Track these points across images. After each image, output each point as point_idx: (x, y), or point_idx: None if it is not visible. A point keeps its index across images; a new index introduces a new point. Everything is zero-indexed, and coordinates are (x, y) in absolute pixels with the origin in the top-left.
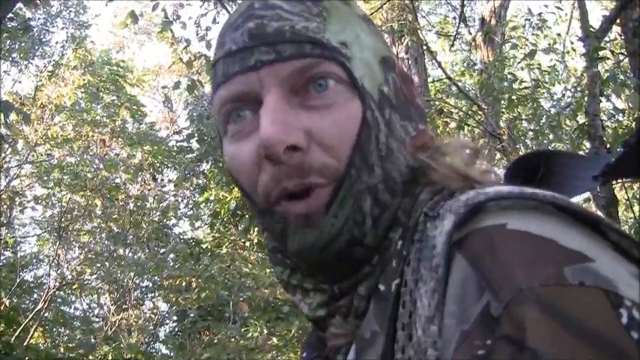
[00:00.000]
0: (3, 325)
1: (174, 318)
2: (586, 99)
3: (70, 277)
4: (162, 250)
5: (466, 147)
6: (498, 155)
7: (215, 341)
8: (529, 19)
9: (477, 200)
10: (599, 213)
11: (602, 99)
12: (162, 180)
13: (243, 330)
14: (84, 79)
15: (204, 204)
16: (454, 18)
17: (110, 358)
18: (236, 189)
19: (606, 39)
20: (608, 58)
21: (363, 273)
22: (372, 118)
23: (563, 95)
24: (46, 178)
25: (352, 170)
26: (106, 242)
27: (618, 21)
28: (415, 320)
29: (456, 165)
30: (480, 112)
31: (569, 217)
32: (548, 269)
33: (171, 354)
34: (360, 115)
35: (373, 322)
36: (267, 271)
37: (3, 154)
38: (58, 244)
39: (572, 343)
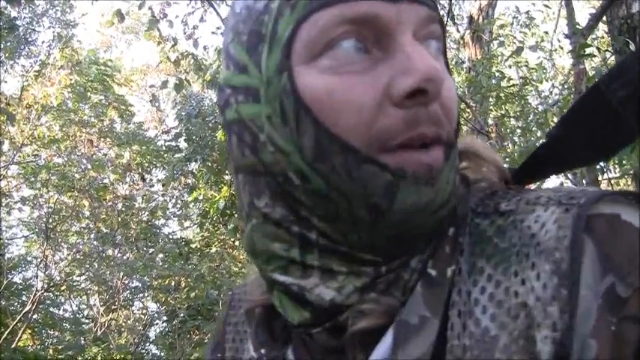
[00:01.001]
0: None
1: (164, 318)
2: (573, 96)
3: (58, 278)
4: (151, 250)
5: (489, 148)
6: None
7: (205, 340)
8: (517, 17)
9: (587, 192)
10: None
11: None
12: (150, 180)
13: None
14: (71, 79)
15: (193, 203)
16: (442, 16)
17: (99, 359)
18: (225, 188)
19: (593, 36)
20: (595, 56)
21: (415, 250)
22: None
23: (551, 92)
24: (33, 179)
25: (453, 136)
26: (95, 243)
27: (604, 18)
28: (471, 310)
29: (498, 163)
30: (468, 110)
31: None
32: None
33: (162, 354)
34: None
35: (422, 307)
36: None
37: None
38: (45, 245)
39: None
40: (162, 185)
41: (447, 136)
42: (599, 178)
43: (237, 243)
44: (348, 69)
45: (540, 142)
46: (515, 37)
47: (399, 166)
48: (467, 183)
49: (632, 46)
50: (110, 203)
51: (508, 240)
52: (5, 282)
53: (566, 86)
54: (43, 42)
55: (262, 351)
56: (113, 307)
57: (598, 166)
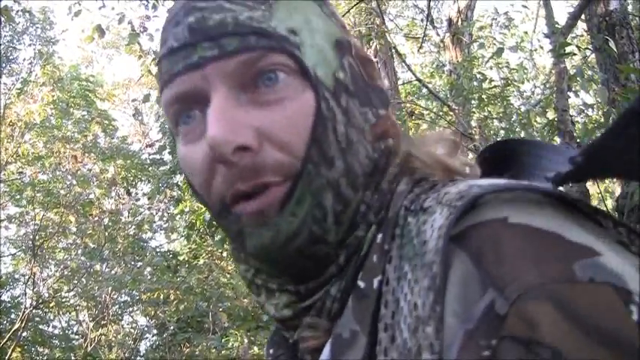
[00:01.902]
0: None
1: (154, 331)
2: (555, 95)
3: (46, 295)
4: (139, 264)
5: (446, 139)
6: (471, 155)
7: (196, 353)
8: (496, 19)
9: (472, 192)
10: None
11: (571, 95)
12: (136, 194)
13: (223, 340)
14: (53, 96)
15: (179, 216)
16: (422, 20)
17: None
18: None
19: (572, 35)
20: (575, 54)
21: (329, 273)
22: (327, 108)
23: (533, 93)
24: (18, 196)
25: (309, 166)
26: (82, 258)
27: (583, 17)
28: (399, 321)
29: (436, 154)
30: (451, 113)
31: (571, 210)
32: (557, 265)
33: None
34: (314, 106)
35: (352, 321)
36: None
37: None
38: (33, 262)
39: (588, 342)
40: (148, 199)
41: (286, 171)
42: None
43: (224, 254)
44: (190, 138)
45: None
46: (495, 39)
47: (238, 216)
48: (412, 180)
49: (612, 44)
50: (96, 218)
51: (419, 245)
52: None
53: (547, 86)
54: (24, 59)
55: (271, 351)
56: (103, 322)
57: None
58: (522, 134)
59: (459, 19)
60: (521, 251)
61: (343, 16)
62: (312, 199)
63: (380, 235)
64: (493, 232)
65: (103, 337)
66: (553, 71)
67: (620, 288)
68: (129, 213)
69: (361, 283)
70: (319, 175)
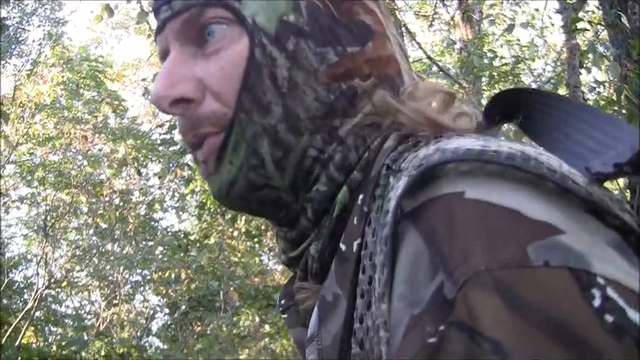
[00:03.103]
0: None
1: (166, 310)
2: (566, 72)
3: (59, 275)
4: (150, 244)
5: (439, 91)
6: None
7: (208, 331)
8: None
9: (431, 161)
10: None
11: (583, 72)
12: (146, 174)
13: (234, 319)
14: (63, 76)
15: (190, 195)
16: None
17: (103, 353)
18: None
19: (584, 11)
20: (587, 30)
21: (303, 225)
22: (262, 54)
23: (544, 70)
24: (29, 177)
25: (241, 114)
26: (94, 238)
27: None
28: (375, 288)
29: (424, 108)
30: (462, 91)
31: (539, 182)
32: (510, 248)
33: (164, 347)
34: (247, 53)
35: (335, 285)
36: (257, 259)
37: None
38: (45, 242)
39: (534, 334)
40: (159, 178)
41: (220, 121)
42: None
43: (235, 233)
44: None
45: None
46: (505, 16)
47: (199, 164)
48: (398, 136)
49: (624, 19)
50: (107, 198)
51: (384, 214)
52: (6, 280)
53: (558, 63)
54: (33, 41)
55: (282, 302)
56: (114, 301)
57: None
58: None
59: None
60: (474, 231)
61: None
62: (247, 146)
63: (361, 196)
64: (447, 208)
65: (115, 316)
66: (564, 48)
67: (579, 270)
68: (139, 193)
69: (342, 246)
70: (252, 123)
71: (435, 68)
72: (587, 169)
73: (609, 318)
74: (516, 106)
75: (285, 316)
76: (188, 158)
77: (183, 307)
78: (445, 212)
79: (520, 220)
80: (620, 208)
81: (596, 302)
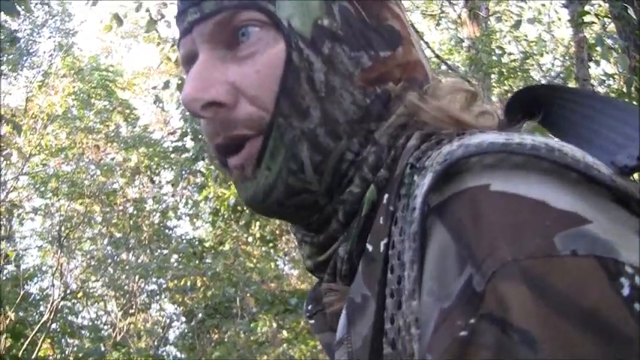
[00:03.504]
0: (10, 339)
1: (182, 319)
2: (575, 65)
3: (74, 286)
4: (164, 252)
5: (461, 89)
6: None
7: (225, 339)
8: None
9: (455, 156)
10: None
11: (592, 65)
12: (159, 181)
13: (252, 325)
14: (74, 87)
15: (203, 202)
16: None
17: None
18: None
19: (590, 4)
20: (594, 23)
21: (332, 228)
22: (299, 58)
23: (552, 65)
24: (43, 188)
25: (279, 119)
26: (108, 248)
27: None
28: (404, 287)
29: (446, 107)
30: (460, 78)
31: (564, 172)
32: (537, 238)
33: (182, 355)
34: (284, 57)
35: (363, 286)
36: (272, 264)
37: None
38: (60, 253)
39: (563, 323)
40: (172, 186)
41: (258, 124)
42: None
43: (250, 239)
44: None
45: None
46: (512, 12)
47: (230, 169)
48: (421, 135)
49: (631, 11)
50: (121, 207)
51: (411, 211)
52: (22, 293)
53: (567, 57)
54: (44, 52)
55: (309, 307)
56: (131, 311)
57: None
58: None
59: None
60: (500, 223)
61: None
62: (286, 151)
63: (386, 196)
64: (473, 201)
65: (132, 326)
66: (572, 42)
67: (607, 259)
68: (153, 201)
69: (369, 246)
70: (291, 127)
71: (443, 67)
72: (613, 162)
73: (638, 306)
74: (537, 104)
75: (313, 321)
76: (200, 165)
77: (200, 314)
78: (471, 206)
79: (546, 211)
80: None
81: (625, 291)
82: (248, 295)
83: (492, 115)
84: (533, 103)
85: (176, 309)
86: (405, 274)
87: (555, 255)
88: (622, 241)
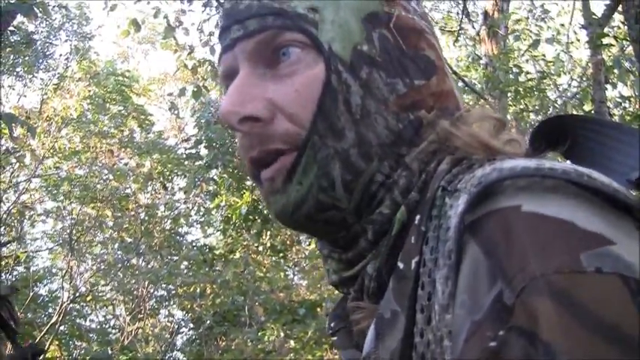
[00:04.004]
0: (18, 339)
1: (191, 325)
2: (592, 87)
3: (83, 289)
4: (175, 258)
5: (490, 117)
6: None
7: (232, 346)
8: (532, 11)
9: (490, 179)
10: None
11: (608, 87)
12: (172, 188)
13: (259, 334)
14: (89, 91)
15: (215, 210)
16: (457, 13)
17: None
18: (247, 194)
19: (609, 27)
20: (612, 45)
21: (361, 246)
22: (338, 81)
23: (569, 85)
24: (55, 191)
25: (315, 137)
26: (119, 252)
27: (620, 8)
28: (434, 303)
29: (477, 133)
30: (487, 106)
31: (591, 196)
32: (564, 255)
33: None
34: (323, 78)
35: (393, 302)
36: (282, 274)
37: (11, 169)
38: (70, 256)
39: (587, 336)
40: (184, 193)
41: (293, 140)
42: None
43: (260, 248)
44: None
45: None
46: (531, 31)
47: (262, 182)
48: (452, 160)
49: None
50: (133, 213)
51: (445, 231)
52: (31, 294)
53: (584, 78)
54: (60, 55)
55: (332, 324)
56: (139, 316)
57: None
58: None
59: (495, 12)
60: (530, 241)
61: None
62: (318, 168)
63: (418, 217)
64: (505, 221)
65: (140, 330)
66: (590, 64)
67: (629, 278)
68: (165, 207)
69: (400, 264)
70: (325, 146)
71: (460, 83)
72: (629, 180)
73: None
74: (562, 134)
75: (336, 338)
76: (214, 173)
77: (208, 321)
78: (502, 224)
79: (574, 231)
80: None
81: None
82: (257, 304)
83: (519, 143)
84: (557, 133)
85: (184, 315)
86: (438, 289)
87: (581, 271)
88: None
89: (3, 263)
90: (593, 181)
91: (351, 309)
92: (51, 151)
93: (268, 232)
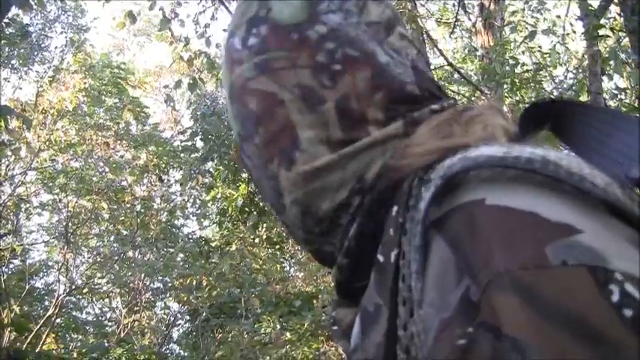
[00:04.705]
0: (14, 332)
1: (187, 317)
2: (588, 79)
3: (80, 281)
4: (171, 251)
5: (443, 123)
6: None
7: (229, 339)
8: (528, 2)
9: (454, 170)
10: None
11: (604, 78)
12: (168, 180)
13: (256, 326)
14: (85, 83)
15: (211, 202)
16: (453, 5)
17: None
18: (243, 186)
19: (605, 18)
20: (609, 37)
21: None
22: None
23: (565, 77)
24: (51, 183)
25: None
26: (115, 245)
27: (616, 0)
28: (414, 295)
29: (428, 147)
30: (483, 98)
31: (558, 184)
32: (529, 250)
33: (185, 354)
34: None
35: (376, 295)
36: (278, 266)
37: (7, 162)
38: (66, 249)
39: (554, 331)
40: (180, 185)
41: None
42: None
43: (256, 240)
44: None
45: None
46: (527, 23)
47: None
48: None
49: None
50: (129, 205)
51: (415, 224)
52: (27, 287)
53: (580, 70)
54: (56, 47)
55: (334, 313)
56: (135, 308)
57: None
58: None
59: (491, 4)
60: (494, 236)
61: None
62: None
63: (395, 208)
64: (469, 216)
65: (136, 323)
66: (586, 55)
67: (596, 268)
68: (161, 199)
69: (380, 257)
70: None
71: (456, 75)
72: (628, 176)
73: (628, 312)
74: (550, 117)
75: (335, 328)
76: (209, 165)
77: (205, 314)
78: (467, 220)
79: (538, 222)
80: None
81: (615, 297)
82: (253, 296)
83: (499, 127)
84: (546, 117)
85: (181, 307)
86: (412, 284)
87: (546, 266)
88: (613, 249)
89: None
90: (558, 170)
91: (334, 306)
92: (47, 143)
93: (264, 225)
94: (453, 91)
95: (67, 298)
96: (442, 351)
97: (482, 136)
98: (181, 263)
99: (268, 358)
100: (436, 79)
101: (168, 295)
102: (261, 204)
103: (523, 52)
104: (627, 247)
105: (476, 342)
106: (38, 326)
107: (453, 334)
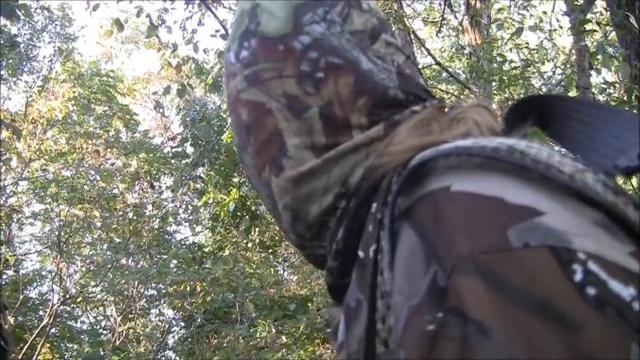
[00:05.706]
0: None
1: (182, 324)
2: (576, 74)
3: (74, 290)
4: (164, 257)
5: (422, 122)
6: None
7: (224, 344)
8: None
9: (423, 158)
10: None
11: (593, 73)
12: (159, 187)
13: (251, 330)
14: (74, 92)
15: (203, 208)
16: (439, 4)
17: None
18: (234, 191)
19: (592, 13)
20: (596, 31)
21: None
22: None
23: (554, 73)
24: (42, 193)
25: None
26: (108, 253)
27: None
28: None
29: (406, 145)
30: (472, 96)
31: (523, 171)
32: (491, 233)
33: None
34: None
35: (357, 291)
36: (271, 270)
37: None
38: (59, 258)
39: (518, 313)
40: (172, 191)
41: None
42: None
43: (249, 245)
44: None
45: None
46: (513, 20)
47: None
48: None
49: (632, 19)
50: (121, 213)
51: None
52: (21, 297)
53: (568, 65)
54: (44, 57)
55: (327, 315)
56: (130, 316)
57: None
58: None
59: (477, 2)
60: (458, 221)
61: None
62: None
63: (374, 204)
64: (435, 203)
65: (131, 330)
66: (573, 50)
67: (558, 248)
68: (153, 206)
69: (361, 253)
70: None
71: (444, 74)
72: (616, 166)
73: (591, 291)
74: (537, 112)
75: (329, 329)
76: (200, 171)
77: (199, 319)
78: (433, 207)
79: (502, 206)
80: (633, 206)
81: (578, 277)
82: (247, 300)
83: (466, 123)
84: (533, 112)
85: (175, 314)
86: (385, 275)
87: (508, 248)
88: (577, 230)
89: None
90: (524, 158)
91: (330, 307)
92: (37, 153)
93: (257, 229)
94: (442, 90)
95: (61, 307)
96: (411, 337)
97: (462, 133)
98: (175, 270)
99: None
100: (424, 78)
101: (162, 301)
102: (253, 208)
103: (510, 49)
104: (594, 228)
105: (445, 327)
106: (33, 337)
107: (422, 320)
